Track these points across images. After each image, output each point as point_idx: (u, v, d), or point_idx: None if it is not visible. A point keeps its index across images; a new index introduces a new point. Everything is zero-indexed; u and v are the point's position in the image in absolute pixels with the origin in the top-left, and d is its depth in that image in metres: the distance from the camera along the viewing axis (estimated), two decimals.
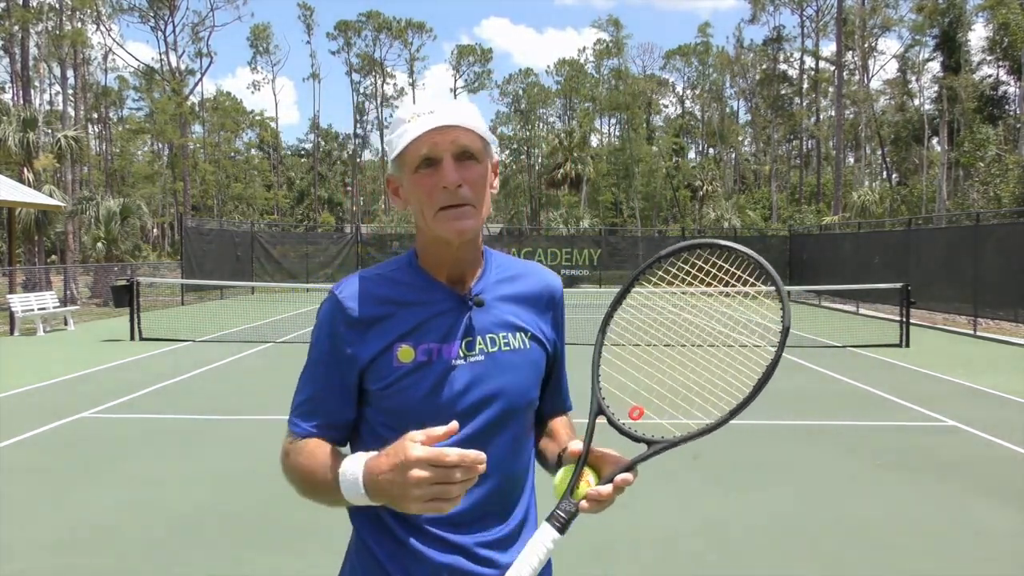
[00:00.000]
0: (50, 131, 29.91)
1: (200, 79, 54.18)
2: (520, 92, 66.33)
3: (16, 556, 4.04)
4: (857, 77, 49.13)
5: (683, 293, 1.57)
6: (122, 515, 4.68)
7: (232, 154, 62.38)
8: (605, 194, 55.04)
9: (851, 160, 54.50)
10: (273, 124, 65.27)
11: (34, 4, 35.11)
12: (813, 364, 10.68)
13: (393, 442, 1.15)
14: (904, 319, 12.98)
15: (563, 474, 1.23)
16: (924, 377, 10.03)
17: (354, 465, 1.14)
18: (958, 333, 15.39)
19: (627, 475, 1.19)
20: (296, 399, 1.32)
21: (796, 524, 4.59)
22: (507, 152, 63.78)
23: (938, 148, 42.48)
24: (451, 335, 1.28)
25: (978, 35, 60.99)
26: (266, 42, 62.41)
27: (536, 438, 1.44)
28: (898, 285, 13.58)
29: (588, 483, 1.20)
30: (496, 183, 1.34)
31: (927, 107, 45.49)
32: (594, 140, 63.41)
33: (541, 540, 1.16)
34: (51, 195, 22.94)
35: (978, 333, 14.98)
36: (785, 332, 1.18)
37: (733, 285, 1.40)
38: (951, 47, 39.84)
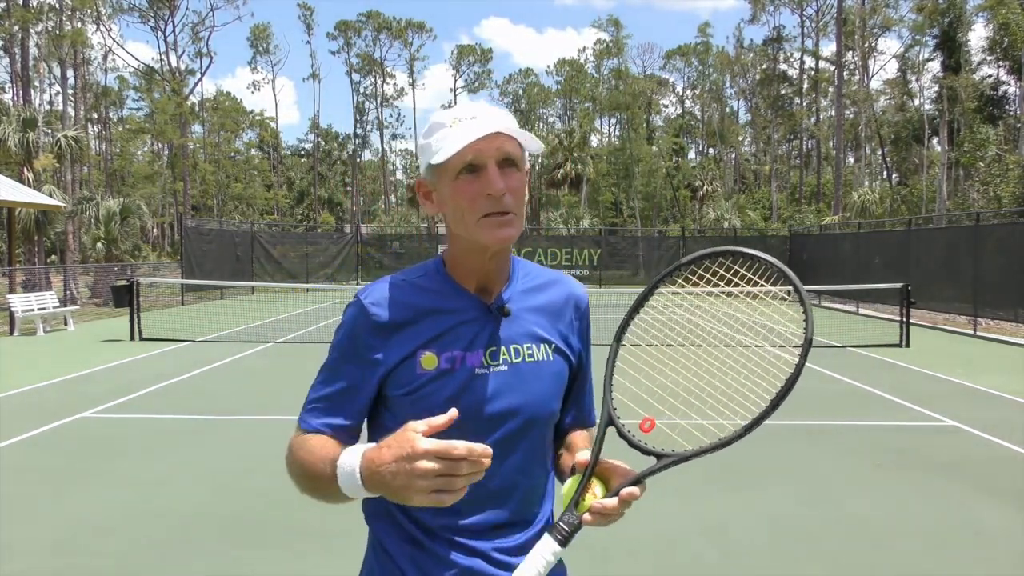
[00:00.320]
0: (50, 131, 29.93)
1: (200, 79, 54.23)
2: (520, 92, 66.43)
3: (16, 556, 4.04)
4: (857, 77, 49.13)
5: (707, 295, 1.53)
6: (122, 515, 4.68)
7: (232, 154, 62.39)
8: (605, 194, 55.04)
9: (851, 160, 54.50)
10: (273, 124, 65.32)
11: (34, 4, 35.11)
12: (813, 364, 10.67)
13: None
14: (904, 319, 12.98)
15: (570, 484, 1.21)
16: (924, 377, 10.03)
17: (352, 457, 1.13)
18: (958, 333, 15.40)
19: (634, 488, 1.16)
20: (310, 396, 1.31)
21: (796, 524, 4.59)
22: None
23: (938, 148, 42.47)
24: (475, 344, 1.27)
25: (978, 35, 61.21)
26: (266, 42, 62.44)
27: (555, 451, 1.43)
28: (898, 285, 13.58)
29: (595, 495, 1.18)
30: (526, 191, 1.31)
31: (927, 107, 45.49)
32: (594, 140, 63.44)
33: (541, 552, 1.14)
34: (51, 195, 22.94)
35: (978, 333, 14.99)
36: (807, 344, 1.14)
37: (756, 295, 1.36)
38: (951, 47, 39.82)
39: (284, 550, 4.15)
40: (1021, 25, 35.02)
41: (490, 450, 1.04)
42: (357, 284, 27.11)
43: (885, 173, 52.02)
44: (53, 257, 34.90)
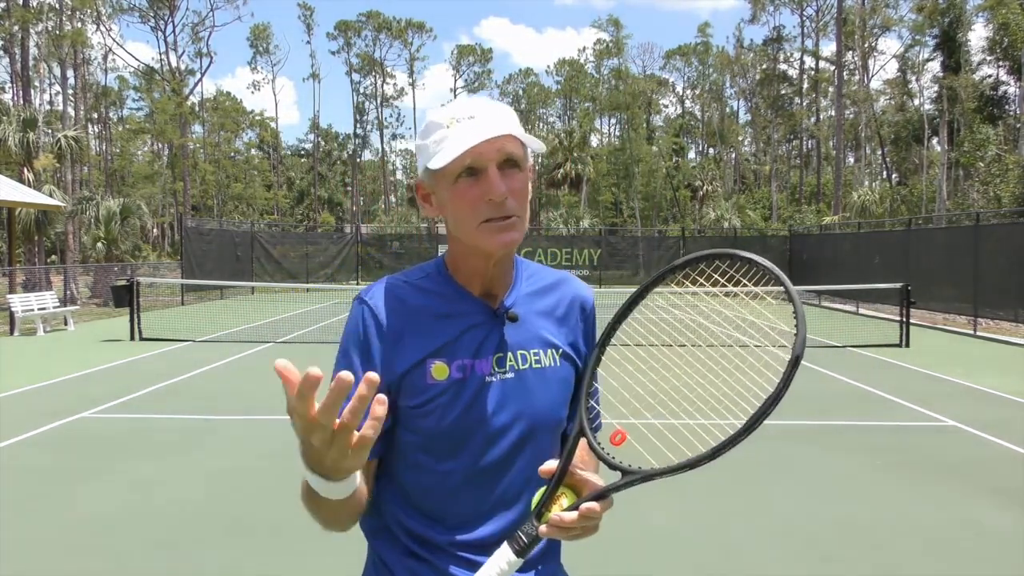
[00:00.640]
0: (50, 131, 29.92)
1: (200, 79, 54.22)
2: (520, 92, 66.45)
3: (16, 556, 4.04)
4: (857, 77, 49.14)
5: (693, 295, 1.45)
6: (122, 515, 4.68)
7: (232, 154, 62.39)
8: (605, 194, 55.06)
9: (851, 160, 54.51)
10: (273, 124, 65.34)
11: (34, 4, 35.12)
12: (813, 364, 10.67)
13: (428, 468, 1.09)
14: (904, 319, 12.98)
15: (539, 493, 1.13)
16: (924, 377, 10.03)
17: None
18: (958, 333, 15.40)
19: (593, 504, 1.07)
20: None
21: (796, 524, 4.59)
22: None
23: (938, 148, 42.46)
24: (483, 350, 1.23)
25: (978, 35, 61.17)
26: (266, 42, 62.46)
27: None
28: (898, 285, 13.58)
29: (560, 506, 1.10)
30: (530, 188, 1.24)
31: (927, 107, 45.47)
32: (594, 140, 63.45)
33: (496, 562, 1.08)
34: (51, 195, 22.93)
35: (978, 333, 14.99)
36: (793, 364, 1.02)
37: (742, 298, 1.28)
38: (951, 47, 39.80)
39: (284, 550, 4.15)
40: (1021, 25, 35.01)
41: (342, 373, 0.86)
42: (357, 284, 27.11)
43: (885, 173, 52.02)
44: (53, 257, 34.91)
